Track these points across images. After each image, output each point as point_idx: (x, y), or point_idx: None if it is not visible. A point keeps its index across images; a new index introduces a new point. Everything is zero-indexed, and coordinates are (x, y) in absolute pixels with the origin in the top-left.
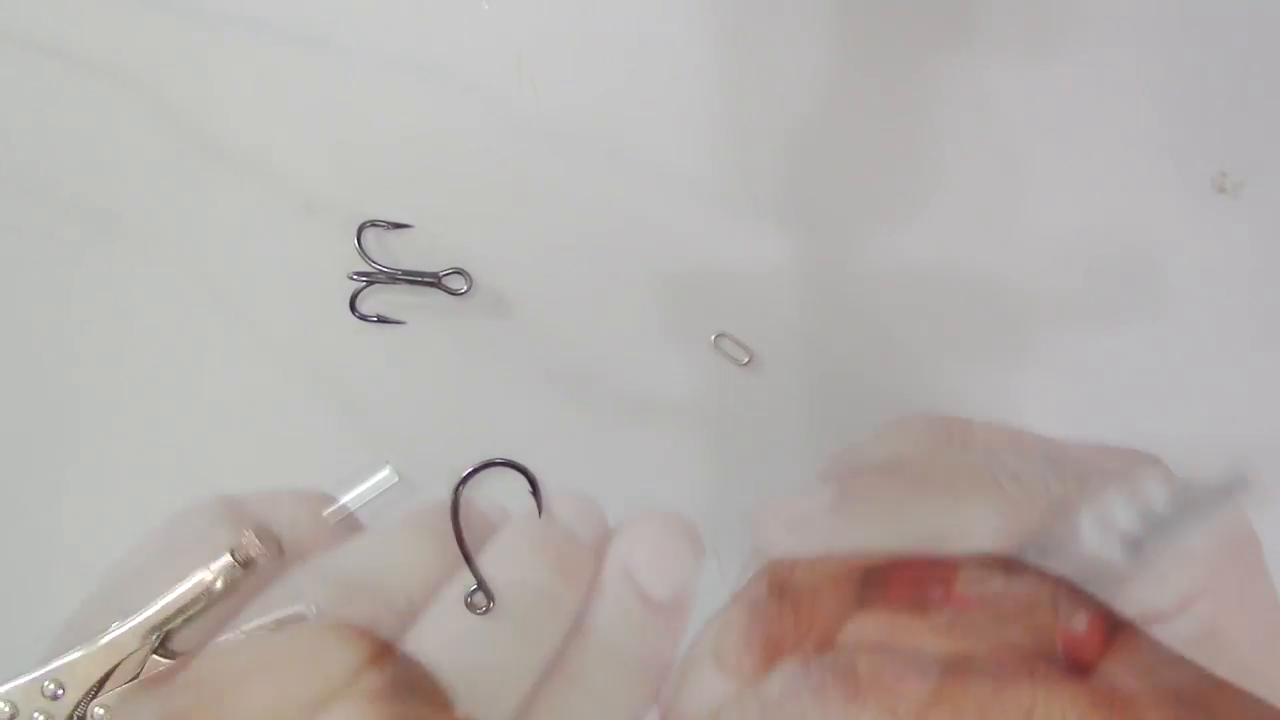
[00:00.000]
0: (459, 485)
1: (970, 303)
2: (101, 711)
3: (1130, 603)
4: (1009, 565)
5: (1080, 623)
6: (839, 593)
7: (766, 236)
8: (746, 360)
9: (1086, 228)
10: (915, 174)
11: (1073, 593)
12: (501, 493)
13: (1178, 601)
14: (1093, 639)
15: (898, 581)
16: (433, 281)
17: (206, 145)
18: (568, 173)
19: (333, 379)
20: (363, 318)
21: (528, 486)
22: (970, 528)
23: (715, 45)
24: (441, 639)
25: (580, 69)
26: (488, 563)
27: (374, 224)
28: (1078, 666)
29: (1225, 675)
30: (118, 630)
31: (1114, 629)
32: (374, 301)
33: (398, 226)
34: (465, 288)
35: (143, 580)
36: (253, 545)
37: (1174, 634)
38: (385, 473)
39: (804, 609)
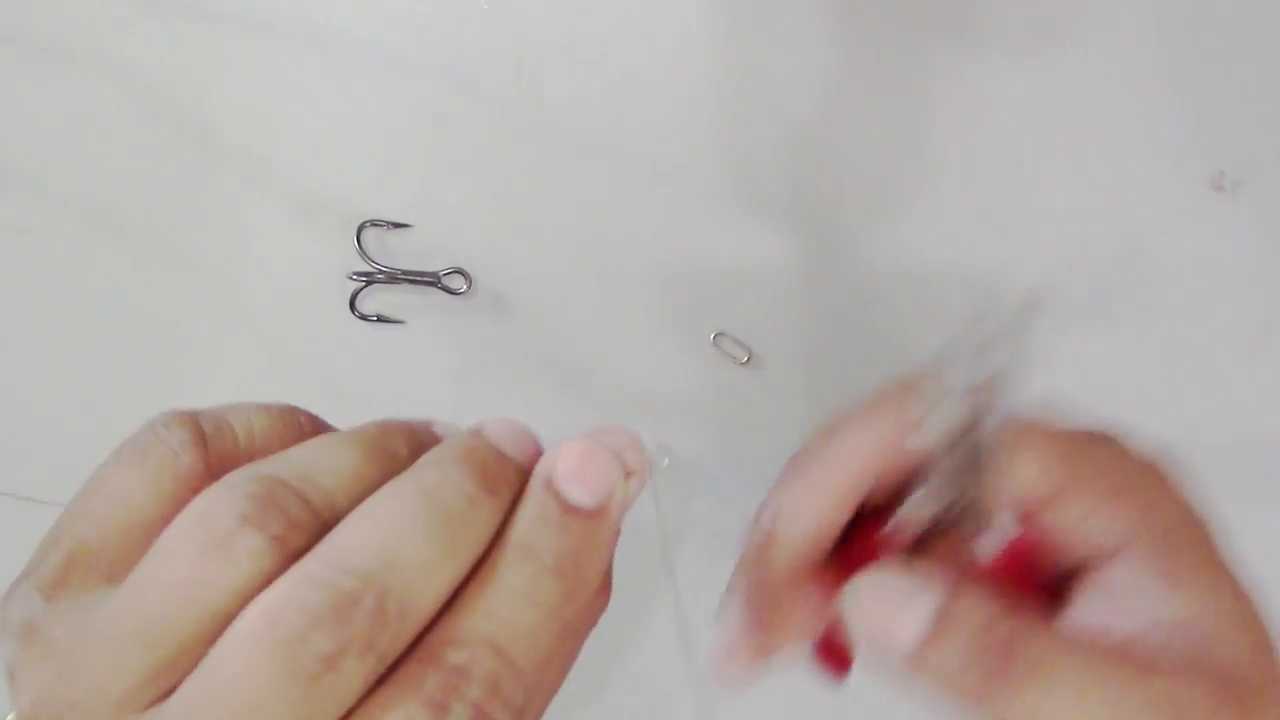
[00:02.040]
0: None
1: (970, 302)
2: None
3: (1072, 547)
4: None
5: (987, 549)
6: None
7: (766, 235)
8: (745, 359)
9: (1086, 227)
10: (915, 173)
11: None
12: None
13: (1111, 544)
14: (1012, 560)
15: (852, 555)
16: (432, 281)
17: (206, 145)
18: (567, 172)
19: (332, 378)
20: (363, 317)
21: None
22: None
23: (715, 44)
24: (361, 539)
25: (579, 69)
26: (416, 469)
27: (374, 224)
28: (1021, 584)
29: (1182, 617)
30: None
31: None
32: (374, 301)
33: (398, 226)
34: (465, 287)
35: (103, 486)
36: None
37: (1126, 578)
38: None
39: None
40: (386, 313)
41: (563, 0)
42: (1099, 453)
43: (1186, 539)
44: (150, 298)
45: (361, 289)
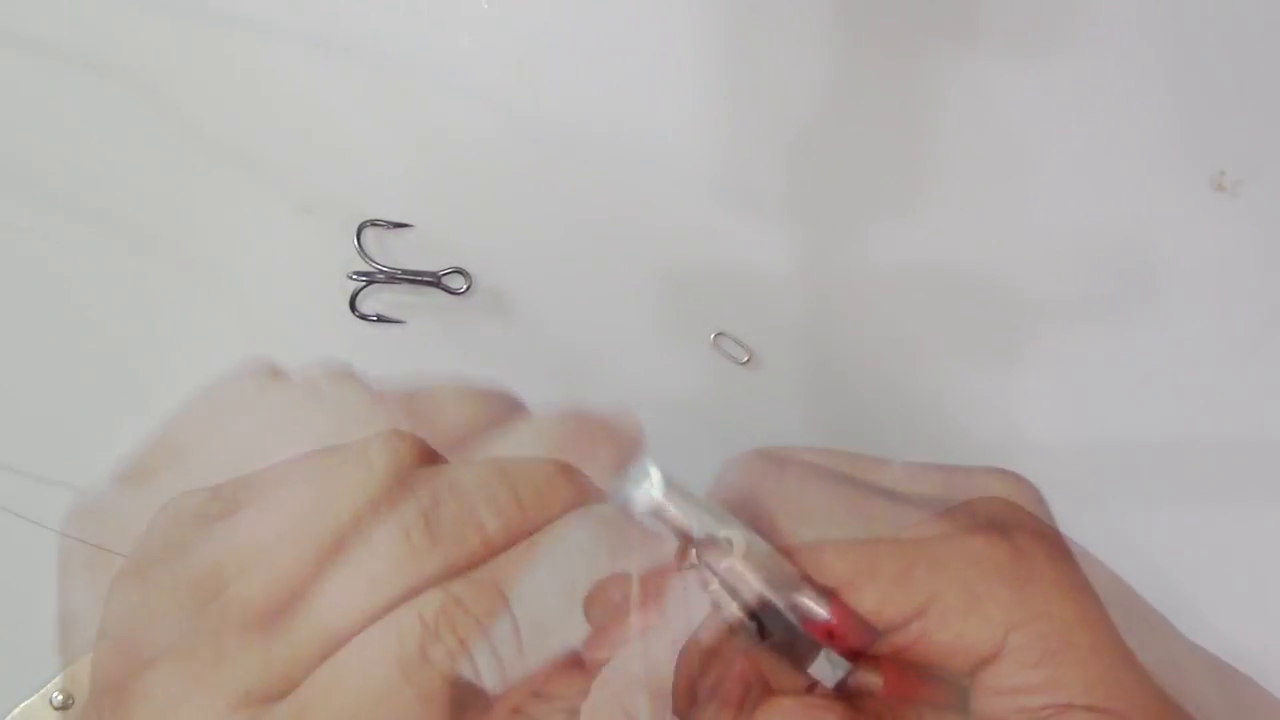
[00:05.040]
0: None
1: (970, 302)
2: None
3: (873, 615)
4: None
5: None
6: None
7: (766, 235)
8: (746, 359)
9: (1086, 227)
10: (915, 173)
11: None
12: None
13: (988, 649)
14: (840, 625)
15: None
16: (432, 281)
17: (206, 145)
18: (567, 172)
19: None
20: (363, 317)
21: None
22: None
23: (715, 44)
24: (450, 477)
25: (580, 69)
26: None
27: (374, 224)
28: (841, 649)
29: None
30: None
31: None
32: (374, 301)
33: (398, 226)
34: (465, 287)
35: (199, 424)
36: None
37: (1010, 673)
38: None
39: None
40: (386, 313)
41: (563, 0)
42: (955, 561)
43: (1056, 621)
44: (149, 298)
45: (362, 289)
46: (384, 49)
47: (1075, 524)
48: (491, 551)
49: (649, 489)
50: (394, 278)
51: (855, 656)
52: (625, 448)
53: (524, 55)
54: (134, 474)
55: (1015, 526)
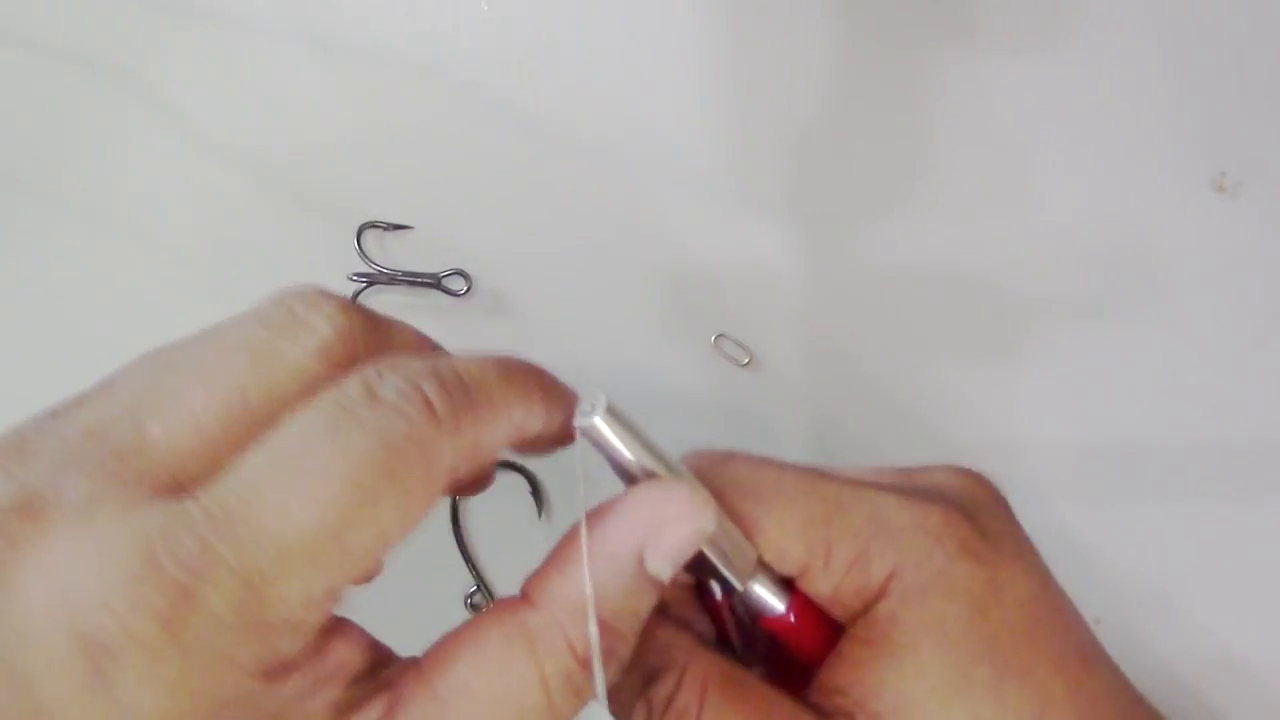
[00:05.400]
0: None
1: (970, 302)
2: None
3: (832, 603)
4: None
5: (773, 606)
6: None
7: (767, 236)
8: (746, 361)
9: (1087, 226)
10: (915, 174)
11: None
12: (502, 493)
13: (866, 596)
14: (800, 618)
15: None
16: (432, 282)
17: (205, 146)
18: (567, 173)
19: None
20: None
21: (528, 487)
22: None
23: (716, 44)
24: (393, 357)
25: (580, 69)
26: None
27: (374, 224)
28: (802, 648)
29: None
30: None
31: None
32: (374, 303)
33: (397, 227)
34: (465, 289)
35: (136, 367)
36: None
37: (886, 618)
38: None
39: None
40: (386, 313)
41: (563, 0)
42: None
43: (1036, 623)
44: (146, 299)
45: (362, 290)
46: (384, 49)
47: (1075, 524)
48: (435, 424)
49: (590, 413)
50: (394, 279)
51: (818, 658)
52: (557, 398)
53: (524, 55)
54: (63, 409)
55: (978, 510)
